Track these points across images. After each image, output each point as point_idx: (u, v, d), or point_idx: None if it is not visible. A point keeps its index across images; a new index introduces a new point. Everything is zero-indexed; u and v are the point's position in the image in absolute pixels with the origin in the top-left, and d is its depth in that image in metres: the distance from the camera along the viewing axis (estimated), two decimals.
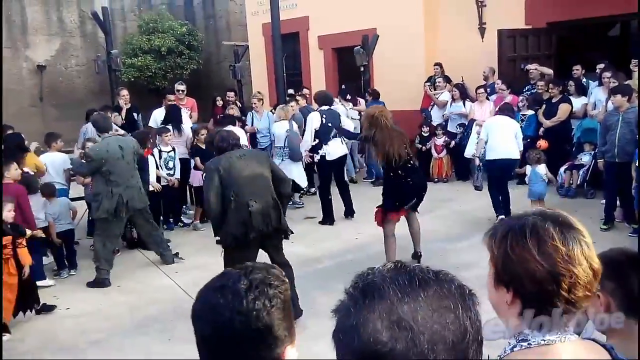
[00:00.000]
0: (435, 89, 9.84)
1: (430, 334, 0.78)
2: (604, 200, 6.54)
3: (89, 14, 13.87)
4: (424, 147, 9.40)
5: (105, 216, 5.51)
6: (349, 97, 9.89)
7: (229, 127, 6.99)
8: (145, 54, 14.53)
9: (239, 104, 10.05)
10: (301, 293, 4.60)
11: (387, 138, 5.16)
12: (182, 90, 8.83)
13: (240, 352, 1.04)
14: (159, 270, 5.90)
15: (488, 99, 8.88)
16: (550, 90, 8.25)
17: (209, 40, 16.24)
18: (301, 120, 8.05)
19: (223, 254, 4.48)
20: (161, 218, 7.19)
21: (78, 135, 7.78)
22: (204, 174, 4.53)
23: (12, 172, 5.17)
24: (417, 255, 5.51)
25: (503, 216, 6.62)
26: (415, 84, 10.22)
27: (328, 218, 7.26)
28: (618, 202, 6.40)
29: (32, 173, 6.01)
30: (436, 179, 9.26)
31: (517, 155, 6.69)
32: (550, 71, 8.99)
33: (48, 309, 4.91)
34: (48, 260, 5.98)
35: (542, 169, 6.62)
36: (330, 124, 7.26)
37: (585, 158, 7.68)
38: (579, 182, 7.62)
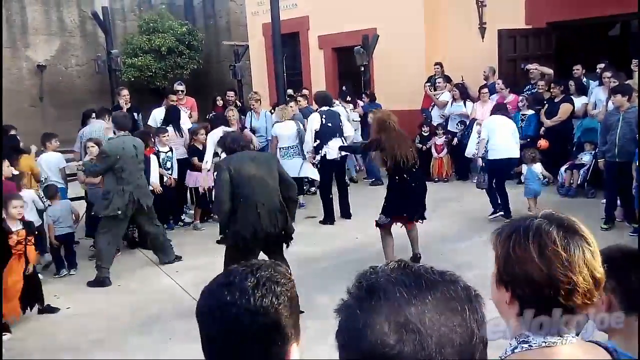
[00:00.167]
0: (435, 89, 9.84)
1: (438, 336, 0.77)
2: (605, 200, 6.54)
3: (89, 14, 13.88)
4: (424, 147, 9.40)
5: (116, 214, 5.54)
6: (349, 98, 9.89)
7: (221, 127, 7.04)
8: (145, 54, 14.53)
9: (238, 103, 10.05)
10: (301, 293, 4.55)
11: (395, 141, 5.22)
12: (182, 91, 8.84)
13: (247, 350, 1.04)
14: (159, 270, 5.90)
15: (489, 99, 8.88)
16: (552, 90, 8.25)
17: (209, 40, 16.24)
18: (302, 121, 8.06)
19: (225, 252, 4.50)
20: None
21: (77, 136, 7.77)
22: (215, 173, 4.56)
23: (6, 170, 5.31)
24: (416, 258, 5.50)
25: (502, 213, 6.66)
26: (416, 84, 10.22)
27: (329, 218, 7.28)
28: (618, 202, 6.40)
29: (28, 174, 6.09)
30: (436, 179, 9.26)
31: (517, 154, 6.81)
32: (550, 71, 8.99)
33: (51, 310, 4.91)
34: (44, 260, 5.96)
35: (537, 167, 6.76)
36: (330, 124, 7.28)
37: (585, 158, 7.68)
38: (579, 181, 7.62)
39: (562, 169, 7.79)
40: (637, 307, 1.48)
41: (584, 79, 8.59)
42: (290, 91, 10.55)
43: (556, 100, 8.14)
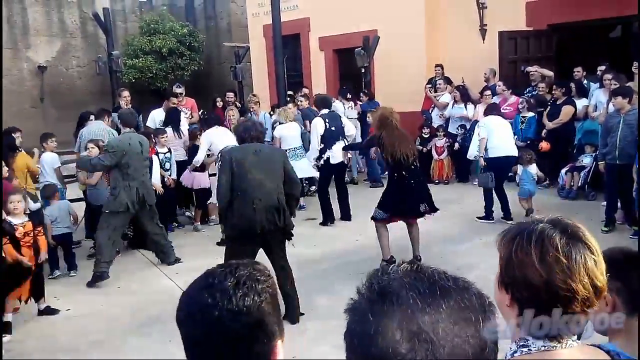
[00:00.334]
0: (436, 91, 9.85)
1: (451, 347, 0.76)
2: (605, 202, 6.54)
3: (90, 15, 13.89)
4: (424, 149, 9.40)
5: (123, 209, 5.57)
6: (349, 96, 9.92)
7: (215, 128, 7.06)
8: (146, 55, 14.55)
9: (238, 104, 10.06)
10: (301, 294, 4.60)
11: (395, 139, 5.23)
12: (180, 93, 8.88)
13: (233, 350, 1.03)
14: (159, 271, 5.90)
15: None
16: (554, 92, 8.24)
17: (210, 42, 16.26)
18: (301, 122, 8.07)
19: (225, 251, 4.54)
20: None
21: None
22: (219, 162, 4.57)
23: (3, 170, 5.38)
24: (416, 259, 5.50)
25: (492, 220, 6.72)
26: (416, 85, 10.22)
27: (328, 218, 7.31)
28: (619, 204, 6.39)
29: (24, 172, 6.12)
30: (437, 181, 9.25)
31: (516, 153, 6.92)
32: (550, 73, 8.99)
33: (51, 311, 4.91)
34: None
35: (533, 168, 6.93)
36: (333, 128, 7.31)
37: (586, 160, 7.68)
38: (579, 184, 7.61)
39: (563, 171, 7.79)
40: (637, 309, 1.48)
41: (585, 81, 8.59)
42: (290, 92, 10.56)
43: (558, 102, 8.14)
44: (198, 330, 1.03)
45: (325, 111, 7.52)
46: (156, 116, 8.13)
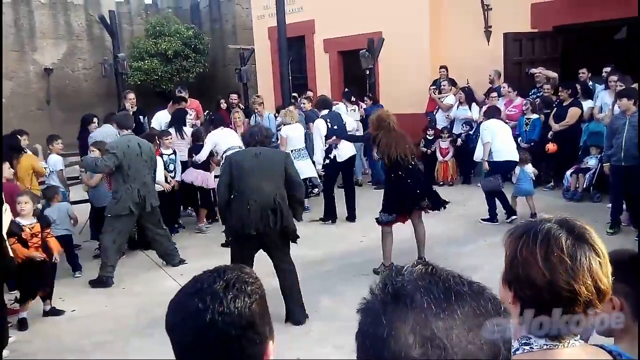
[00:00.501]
0: (440, 92, 9.84)
1: (464, 354, 0.75)
2: (610, 204, 6.51)
3: (96, 18, 13.98)
4: (429, 150, 9.39)
5: (126, 212, 5.59)
6: (353, 99, 9.93)
7: (220, 129, 7.08)
8: (151, 57, 14.62)
9: (242, 105, 10.10)
10: (305, 295, 4.60)
11: (391, 140, 5.26)
12: (181, 97, 8.95)
13: (226, 353, 1.03)
14: (163, 273, 5.92)
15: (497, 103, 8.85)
16: (560, 94, 8.21)
17: (215, 44, 16.32)
18: (303, 123, 8.11)
19: (230, 245, 4.67)
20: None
21: None
22: (222, 166, 4.72)
23: (6, 171, 5.42)
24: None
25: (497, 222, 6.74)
26: (421, 87, 10.22)
27: (330, 216, 7.36)
28: (624, 206, 6.37)
29: (29, 173, 6.18)
30: (441, 182, 9.24)
31: (517, 157, 6.98)
32: (554, 75, 8.96)
33: (56, 312, 4.93)
34: None
35: (529, 168, 7.05)
36: (336, 127, 7.35)
37: (591, 161, 7.65)
38: (585, 185, 7.58)
39: (568, 173, 7.76)
40: None
41: (590, 83, 8.56)
42: (294, 94, 10.59)
43: (565, 104, 8.11)
44: (190, 336, 1.02)
45: (325, 112, 7.57)
46: (161, 118, 8.17)
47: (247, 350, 1.04)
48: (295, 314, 4.44)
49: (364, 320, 0.81)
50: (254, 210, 4.29)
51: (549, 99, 8.53)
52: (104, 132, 6.96)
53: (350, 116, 9.37)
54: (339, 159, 7.28)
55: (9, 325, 4.43)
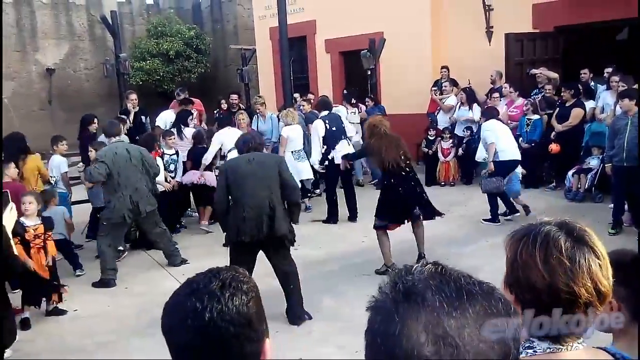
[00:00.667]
0: (442, 93, 9.84)
1: (475, 353, 0.75)
2: (612, 205, 6.51)
3: (97, 18, 13.98)
4: (430, 151, 9.39)
5: (121, 221, 5.59)
6: (354, 101, 9.94)
7: (227, 128, 7.09)
8: (153, 58, 14.63)
9: (242, 106, 10.11)
10: (306, 295, 4.62)
11: (383, 146, 5.27)
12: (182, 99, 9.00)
13: (226, 352, 1.03)
14: (166, 273, 5.93)
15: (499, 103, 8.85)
16: (562, 94, 8.19)
17: (217, 44, 16.33)
18: (303, 125, 8.13)
19: (229, 255, 4.62)
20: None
21: None
22: (217, 174, 4.73)
23: (12, 171, 5.47)
24: (421, 258, 5.52)
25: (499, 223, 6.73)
26: (422, 87, 10.22)
27: (332, 217, 7.38)
28: (626, 207, 6.36)
29: (35, 174, 6.19)
30: (443, 183, 9.24)
31: (520, 156, 7.04)
32: (555, 75, 8.95)
33: (59, 312, 4.95)
34: None
35: (519, 168, 7.09)
36: (334, 128, 7.37)
37: (593, 162, 7.65)
38: (586, 186, 7.58)
39: (570, 173, 7.76)
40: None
41: (592, 83, 8.56)
42: (296, 95, 10.59)
43: (567, 104, 8.10)
44: (189, 336, 1.02)
45: (325, 113, 7.58)
46: (167, 117, 8.22)
47: (247, 348, 1.05)
48: (295, 314, 4.47)
49: (374, 318, 0.80)
50: (250, 217, 4.32)
51: (551, 99, 8.52)
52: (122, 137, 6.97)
53: (350, 119, 9.40)
54: (337, 161, 7.30)
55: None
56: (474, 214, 7.29)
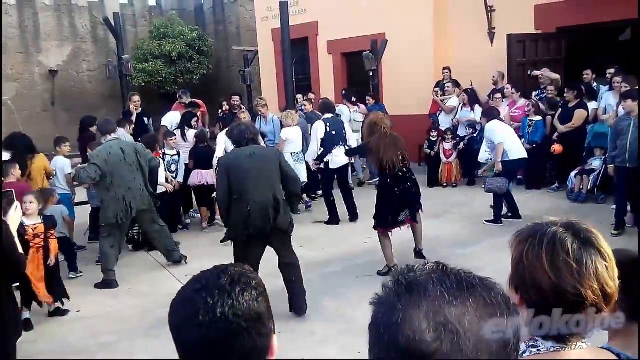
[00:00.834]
0: (444, 94, 9.83)
1: (476, 340, 0.76)
2: (615, 206, 6.49)
3: (100, 20, 14.02)
4: (432, 152, 9.39)
5: (115, 221, 5.57)
6: (354, 99, 9.95)
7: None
8: (155, 59, 14.66)
9: (243, 107, 10.14)
10: (309, 297, 4.63)
11: (381, 145, 5.23)
12: (184, 103, 9.04)
13: (238, 346, 1.03)
14: (168, 273, 5.94)
15: (501, 104, 8.83)
16: (565, 95, 8.18)
17: (219, 46, 16.36)
18: (303, 126, 8.14)
19: (233, 251, 4.65)
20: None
21: None
22: (217, 169, 4.72)
23: (17, 171, 5.48)
24: (419, 254, 5.54)
25: (501, 223, 6.73)
26: (425, 88, 10.22)
27: (334, 218, 7.39)
28: (629, 208, 6.35)
29: (42, 174, 6.21)
30: (445, 184, 9.24)
31: (526, 155, 7.04)
32: (556, 76, 8.94)
33: (61, 313, 4.95)
34: None
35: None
36: (334, 132, 7.38)
37: (595, 163, 7.64)
38: (589, 187, 7.57)
39: (572, 174, 7.74)
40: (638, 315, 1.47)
41: (594, 84, 8.54)
42: (299, 96, 10.61)
43: (570, 105, 8.09)
44: (201, 332, 1.02)
45: (328, 116, 7.59)
46: (172, 119, 8.26)
47: (257, 343, 1.05)
48: (297, 305, 4.54)
49: (377, 310, 0.82)
50: (255, 210, 4.35)
51: (554, 100, 8.51)
52: (119, 135, 6.98)
53: (355, 118, 9.41)
54: (332, 166, 7.32)
55: None
56: (476, 215, 7.28)
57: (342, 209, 7.51)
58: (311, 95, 10.45)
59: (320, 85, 12.55)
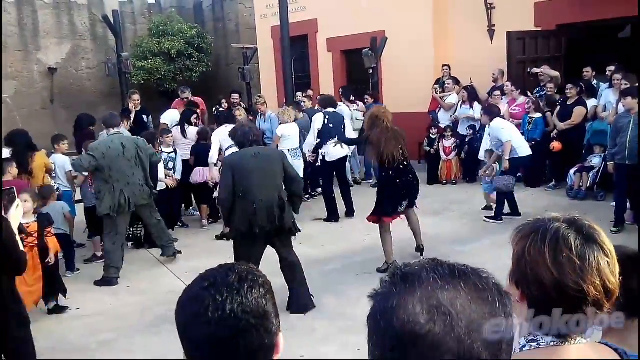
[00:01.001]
0: (444, 91, 9.83)
1: (468, 321, 0.79)
2: (614, 203, 6.50)
3: (99, 17, 14.00)
4: (432, 150, 9.39)
5: (108, 212, 5.56)
6: (352, 98, 9.95)
7: (225, 126, 7.09)
8: (155, 57, 14.64)
9: (243, 105, 10.14)
10: None
11: (382, 139, 5.24)
12: (186, 98, 9.03)
13: (246, 343, 1.04)
14: (167, 271, 5.94)
15: (501, 101, 8.83)
16: (568, 91, 8.16)
17: (218, 43, 16.33)
18: (307, 123, 8.13)
19: (233, 249, 4.67)
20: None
21: None
22: (221, 169, 4.77)
23: (14, 170, 5.47)
24: (419, 249, 5.56)
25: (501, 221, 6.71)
26: (424, 86, 10.21)
27: (333, 215, 7.41)
28: (628, 205, 6.35)
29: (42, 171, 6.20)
30: (445, 181, 9.24)
31: (530, 151, 7.07)
32: (556, 73, 8.93)
33: (60, 310, 4.95)
34: None
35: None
36: (332, 125, 7.40)
37: (595, 160, 7.64)
38: (588, 184, 7.57)
39: (572, 171, 7.74)
40: (637, 311, 1.47)
41: (594, 81, 8.54)
42: (299, 94, 10.60)
43: (569, 102, 8.09)
44: (210, 329, 1.02)
45: (329, 110, 7.61)
46: (173, 117, 8.28)
47: (265, 340, 1.06)
48: (302, 303, 4.57)
49: (374, 301, 0.85)
50: (260, 208, 4.40)
51: (552, 98, 8.50)
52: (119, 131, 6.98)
53: (356, 116, 9.40)
54: (328, 158, 7.34)
55: None
56: (476, 213, 7.29)
57: (341, 207, 7.52)
58: (310, 92, 10.45)
59: (319, 83, 12.54)
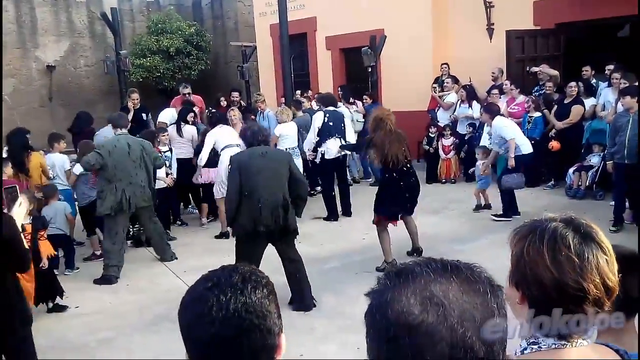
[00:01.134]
0: (443, 90, 9.83)
1: (460, 311, 0.82)
2: (613, 202, 6.50)
3: (98, 15, 13.96)
4: (431, 148, 9.39)
5: (109, 212, 5.57)
6: (352, 100, 9.94)
7: (219, 127, 7.08)
8: (153, 55, 14.60)
9: (242, 103, 10.12)
10: None
11: (386, 141, 5.28)
12: (188, 93, 9.00)
13: (250, 343, 1.04)
14: (167, 270, 5.94)
15: (499, 100, 8.83)
16: (569, 88, 8.14)
17: (217, 41, 16.30)
18: (306, 122, 8.13)
19: (235, 248, 4.68)
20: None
21: None
22: (229, 167, 4.82)
23: (9, 170, 5.49)
24: (418, 251, 5.57)
25: (510, 219, 6.67)
26: (423, 84, 10.21)
27: (332, 214, 7.41)
28: (627, 204, 6.36)
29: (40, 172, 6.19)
30: (444, 180, 9.24)
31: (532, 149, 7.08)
32: (555, 72, 8.93)
33: (60, 308, 4.94)
34: None
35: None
36: (331, 124, 7.39)
37: (594, 159, 7.64)
38: (587, 183, 7.58)
39: (570, 170, 7.75)
40: (634, 311, 1.47)
41: (593, 80, 8.54)
42: (298, 92, 10.60)
43: (566, 101, 8.09)
44: (214, 328, 1.02)
45: (330, 108, 7.61)
46: (172, 114, 8.26)
47: (268, 340, 1.06)
48: (306, 301, 4.61)
49: (371, 297, 0.89)
50: (265, 207, 4.43)
51: (550, 97, 8.51)
52: (109, 132, 6.97)
53: (357, 118, 9.39)
54: (327, 156, 7.34)
55: None
56: (475, 211, 7.29)
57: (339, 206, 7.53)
58: (310, 93, 10.46)
59: (318, 81, 12.53)
